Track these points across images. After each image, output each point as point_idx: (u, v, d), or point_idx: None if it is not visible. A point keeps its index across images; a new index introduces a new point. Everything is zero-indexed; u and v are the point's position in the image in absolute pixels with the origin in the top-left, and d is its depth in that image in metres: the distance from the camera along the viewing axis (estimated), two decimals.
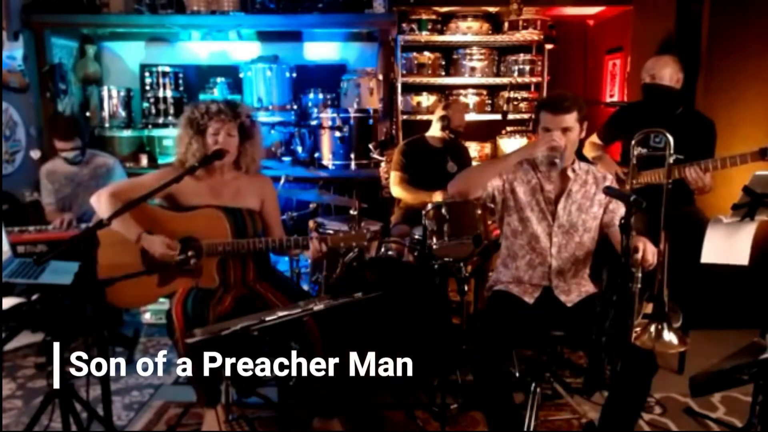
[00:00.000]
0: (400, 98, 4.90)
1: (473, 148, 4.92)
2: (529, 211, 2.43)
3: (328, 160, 4.57)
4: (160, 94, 4.82)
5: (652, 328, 2.22)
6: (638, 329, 2.19)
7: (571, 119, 2.33)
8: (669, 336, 2.21)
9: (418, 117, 4.99)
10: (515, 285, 2.47)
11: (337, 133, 4.46)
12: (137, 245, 2.38)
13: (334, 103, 4.89)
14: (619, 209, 2.37)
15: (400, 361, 2.44)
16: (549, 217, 2.42)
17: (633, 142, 2.60)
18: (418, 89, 5.11)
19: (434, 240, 2.99)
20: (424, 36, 4.95)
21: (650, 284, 2.23)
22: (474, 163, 4.05)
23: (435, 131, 3.76)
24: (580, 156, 3.49)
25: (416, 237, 3.23)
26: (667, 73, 3.14)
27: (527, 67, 5.07)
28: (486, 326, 2.32)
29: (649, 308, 2.32)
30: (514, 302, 2.42)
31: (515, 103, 5.10)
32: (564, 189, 2.43)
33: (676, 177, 2.90)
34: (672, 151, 2.57)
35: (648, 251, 2.05)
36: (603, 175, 2.48)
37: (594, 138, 3.48)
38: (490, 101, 5.20)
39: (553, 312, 2.40)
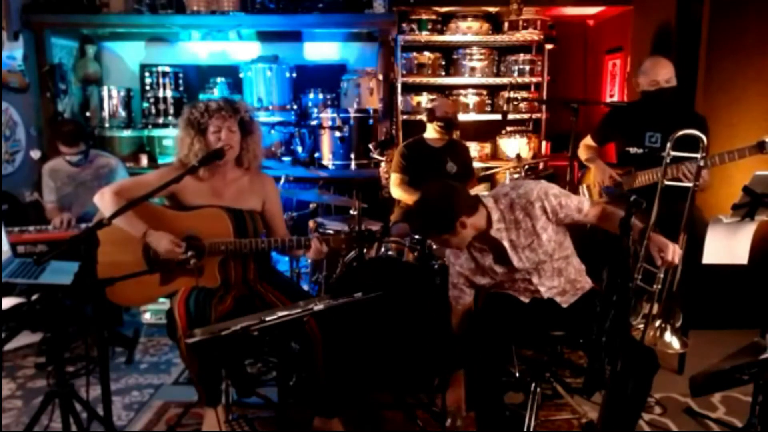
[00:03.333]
0: (400, 98, 4.91)
1: (473, 148, 4.92)
2: (501, 277, 2.39)
3: (328, 160, 4.57)
4: (160, 94, 4.82)
5: (657, 324, 2.22)
6: (642, 327, 2.18)
7: (441, 238, 2.24)
8: (670, 338, 2.21)
9: (418, 117, 4.98)
10: (509, 289, 2.45)
11: (337, 133, 4.46)
12: (139, 243, 2.38)
13: (334, 103, 4.89)
14: (570, 210, 2.26)
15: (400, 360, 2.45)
16: (513, 272, 2.36)
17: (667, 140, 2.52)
18: (418, 89, 5.11)
19: None
20: (424, 36, 4.95)
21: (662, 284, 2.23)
22: (474, 164, 4.05)
23: (430, 131, 3.77)
24: (576, 157, 3.50)
25: (416, 237, 3.23)
26: (672, 72, 3.14)
27: (527, 67, 5.07)
28: (481, 328, 2.32)
29: (648, 309, 2.32)
30: (509, 302, 2.41)
31: (515, 103, 5.10)
32: (503, 247, 2.29)
33: (674, 176, 2.90)
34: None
35: (676, 252, 2.04)
36: (526, 199, 2.26)
37: (588, 140, 3.48)
38: (490, 101, 5.20)
39: (550, 311, 2.40)
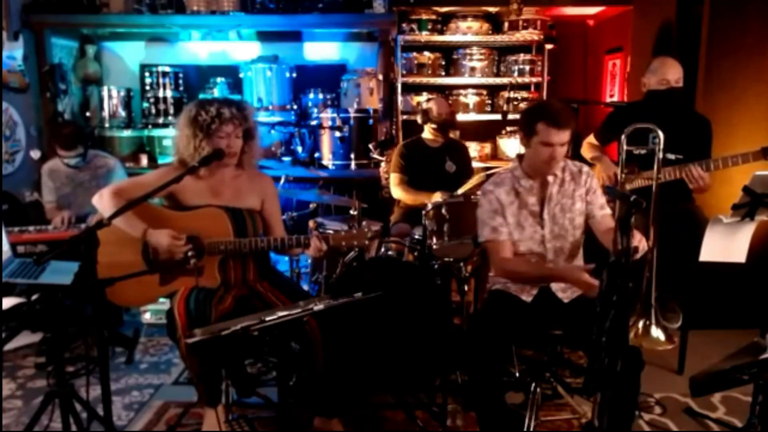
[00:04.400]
0: (400, 98, 4.91)
1: (473, 148, 4.93)
2: (520, 231, 2.43)
3: (328, 160, 4.57)
4: (160, 94, 4.83)
5: (640, 325, 2.22)
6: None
7: (569, 134, 2.32)
8: (656, 332, 2.21)
9: (418, 117, 4.99)
10: (512, 284, 2.46)
11: (337, 133, 4.46)
12: (138, 243, 2.38)
13: (334, 103, 4.89)
14: (597, 199, 2.41)
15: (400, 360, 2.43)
16: (538, 228, 2.42)
17: (623, 139, 2.58)
18: (418, 89, 5.11)
19: (434, 240, 2.99)
20: (424, 36, 4.95)
21: (638, 282, 2.24)
22: (473, 164, 4.05)
23: (427, 132, 3.78)
24: (577, 156, 3.50)
25: (416, 237, 3.23)
26: (681, 73, 3.14)
27: (527, 67, 5.07)
28: (482, 327, 2.32)
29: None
30: (511, 301, 2.42)
31: (515, 103, 5.10)
32: (545, 195, 2.43)
33: (677, 177, 2.91)
34: (662, 148, 2.57)
35: (641, 243, 2.08)
36: (578, 168, 2.48)
37: (591, 139, 3.47)
38: (490, 101, 5.20)
39: (551, 309, 2.40)
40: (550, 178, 2.41)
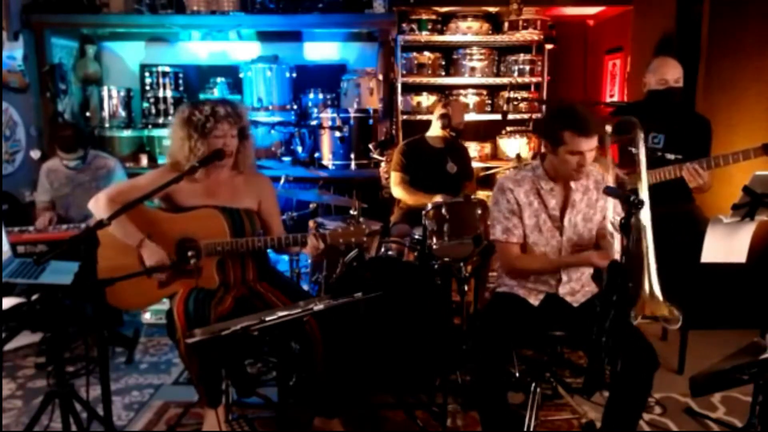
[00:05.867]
0: (400, 98, 4.91)
1: (473, 148, 4.93)
2: (537, 234, 2.37)
3: (328, 160, 4.57)
4: (160, 94, 4.83)
5: (645, 287, 2.17)
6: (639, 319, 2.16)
7: (597, 138, 2.26)
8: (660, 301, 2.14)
9: (418, 117, 5.00)
10: (520, 287, 2.43)
11: (337, 133, 4.46)
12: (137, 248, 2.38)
13: (334, 103, 4.89)
14: (612, 207, 2.37)
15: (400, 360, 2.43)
16: (557, 234, 2.38)
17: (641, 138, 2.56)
18: (418, 89, 5.11)
19: (434, 240, 2.99)
20: (424, 36, 4.95)
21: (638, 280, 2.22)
22: (473, 164, 4.04)
23: (435, 131, 3.76)
24: None
25: (416, 237, 3.23)
26: (681, 73, 3.14)
27: (527, 67, 5.07)
28: (486, 327, 2.32)
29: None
30: (518, 304, 2.40)
31: (515, 103, 5.09)
32: (567, 200, 2.38)
33: (677, 176, 2.91)
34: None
35: None
36: (602, 175, 2.45)
37: None
38: (490, 101, 5.20)
39: (558, 313, 2.38)
40: (573, 184, 2.36)
